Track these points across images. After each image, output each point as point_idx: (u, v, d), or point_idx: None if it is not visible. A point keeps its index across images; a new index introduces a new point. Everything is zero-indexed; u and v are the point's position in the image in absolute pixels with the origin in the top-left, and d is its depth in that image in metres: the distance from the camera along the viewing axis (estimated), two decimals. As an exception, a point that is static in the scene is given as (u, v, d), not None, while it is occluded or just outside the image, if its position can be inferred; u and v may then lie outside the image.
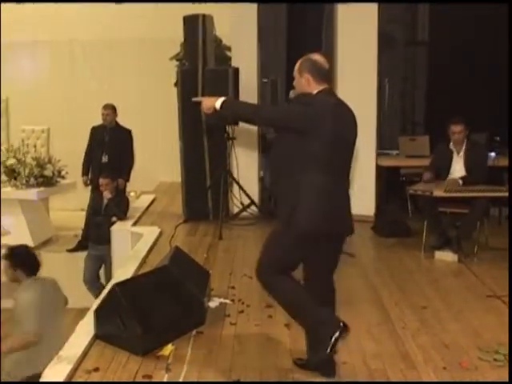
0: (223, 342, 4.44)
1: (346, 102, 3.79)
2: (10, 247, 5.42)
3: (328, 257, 3.78)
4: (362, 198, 6.84)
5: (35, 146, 9.32)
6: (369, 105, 7.77)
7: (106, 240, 7.35)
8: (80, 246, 8.22)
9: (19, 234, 8.37)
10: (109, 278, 7.56)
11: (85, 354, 4.26)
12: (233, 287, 5.54)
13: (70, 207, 8.91)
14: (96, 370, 4.07)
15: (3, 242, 8.16)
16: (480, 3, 8.12)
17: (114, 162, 8.26)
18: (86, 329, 4.54)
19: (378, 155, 8.15)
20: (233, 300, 5.22)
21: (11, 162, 9.01)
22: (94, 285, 7.67)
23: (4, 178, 8.92)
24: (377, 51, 7.72)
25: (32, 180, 8.62)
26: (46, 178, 8.60)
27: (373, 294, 5.36)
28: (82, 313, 5.09)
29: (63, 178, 8.82)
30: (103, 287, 7.67)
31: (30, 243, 7.87)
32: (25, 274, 5.11)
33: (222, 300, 5.18)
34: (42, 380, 3.94)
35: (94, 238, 7.70)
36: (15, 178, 8.78)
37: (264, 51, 8.11)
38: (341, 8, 7.79)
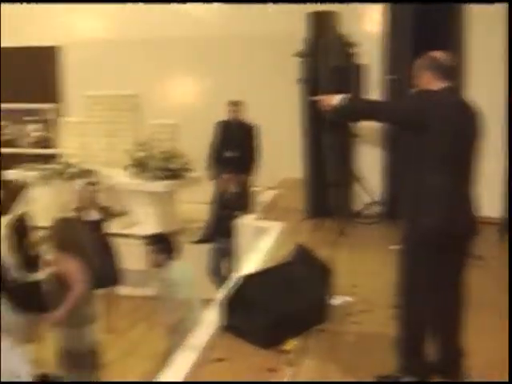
0: (345, 340, 4.42)
1: (474, 101, 3.67)
2: (153, 234, 5.72)
3: (454, 259, 3.69)
4: (489, 199, 6.59)
5: (163, 141, 9.62)
6: (498, 105, 7.48)
7: (230, 233, 7.50)
8: (204, 239, 8.42)
9: (147, 224, 8.69)
10: (232, 270, 7.72)
11: (210, 343, 4.37)
12: (356, 286, 5.50)
13: (196, 200, 9.14)
14: (220, 360, 4.17)
15: (133, 231, 8.52)
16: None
17: (239, 157, 8.40)
18: (211, 319, 4.66)
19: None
20: (355, 298, 5.19)
21: (140, 155, 9.38)
22: (217, 277, 7.85)
23: (133, 170, 9.30)
24: (507, 52, 7.41)
25: (160, 173, 8.93)
26: (173, 171, 8.89)
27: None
28: (205, 304, 5.25)
29: (190, 171, 9.08)
30: (226, 280, 7.85)
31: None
32: (167, 259, 5.32)
33: (344, 298, 5.16)
34: (173, 366, 4.09)
35: (218, 231, 7.87)
36: (144, 171, 9.14)
37: (388, 49, 7.98)
38: (471, 8, 7.55)
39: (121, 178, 9.40)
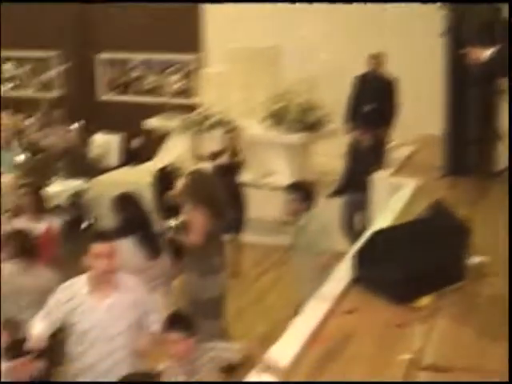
0: (481, 300, 4.31)
1: None
2: (294, 183, 5.70)
3: None
4: None
5: (301, 93, 9.61)
6: None
7: (364, 187, 7.43)
8: (338, 192, 8.40)
9: (282, 176, 8.78)
10: (365, 224, 7.68)
11: (342, 295, 4.39)
12: (494, 246, 5.31)
13: (332, 153, 9.11)
14: (351, 312, 4.19)
15: (267, 182, 8.63)
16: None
17: (377, 110, 8.27)
18: (344, 272, 4.68)
19: None
20: (492, 259, 5.01)
21: (277, 107, 9.44)
22: (350, 230, 7.84)
23: (270, 122, 9.38)
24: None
25: (296, 125, 8.96)
26: (309, 123, 8.89)
27: None
28: (337, 257, 5.26)
29: (326, 124, 9.05)
30: (358, 233, 7.82)
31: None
32: (306, 208, 5.28)
33: (481, 258, 5.00)
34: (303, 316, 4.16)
35: (352, 185, 7.83)
36: (280, 123, 9.20)
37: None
38: None
39: (257, 129, 9.51)
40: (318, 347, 3.91)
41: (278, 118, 9.30)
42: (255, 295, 7.56)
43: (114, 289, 3.87)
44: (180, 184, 5.59)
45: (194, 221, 5.23)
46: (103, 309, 3.85)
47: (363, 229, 7.59)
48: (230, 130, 8.20)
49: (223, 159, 7.64)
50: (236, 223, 7.25)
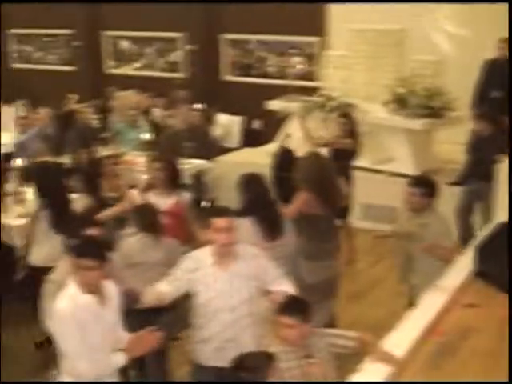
0: None
1: None
2: (418, 176, 5.53)
3: None
4: None
5: (426, 77, 9.38)
6: None
7: (485, 177, 7.18)
8: (460, 181, 8.17)
9: (402, 162, 8.64)
10: (484, 215, 7.45)
11: (462, 288, 4.31)
12: None
13: (455, 141, 8.85)
14: (471, 305, 4.11)
15: (386, 168, 8.52)
16: None
17: (505, 98, 7.96)
18: (464, 263, 4.58)
19: None
20: None
21: (401, 91, 9.26)
22: (464, 219, 7.63)
23: (393, 106, 9.23)
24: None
25: (419, 110, 8.77)
26: (433, 109, 8.68)
27: None
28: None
29: (452, 110, 8.80)
30: (473, 225, 7.61)
31: (412, 172, 8.11)
32: (428, 204, 5.07)
33: None
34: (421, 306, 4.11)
35: (474, 174, 7.59)
36: (403, 108, 9.03)
37: None
38: None
39: (379, 113, 9.39)
40: (435, 340, 3.87)
41: (401, 102, 9.12)
42: (369, 282, 7.50)
43: (235, 259, 4.02)
44: (297, 166, 5.62)
45: (298, 197, 5.26)
46: (225, 279, 4.00)
47: (482, 220, 7.39)
48: (347, 114, 8.09)
49: (340, 144, 7.57)
50: (345, 209, 7.16)
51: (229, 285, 3.99)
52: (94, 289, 3.62)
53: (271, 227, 4.75)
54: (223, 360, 3.91)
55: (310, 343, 3.67)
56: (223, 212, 4.08)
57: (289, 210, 5.31)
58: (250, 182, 5.03)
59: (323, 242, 5.36)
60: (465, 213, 7.76)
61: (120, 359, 3.71)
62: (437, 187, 5.17)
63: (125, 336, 3.84)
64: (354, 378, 3.43)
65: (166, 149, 9.56)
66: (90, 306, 3.61)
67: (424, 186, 5.07)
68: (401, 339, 3.84)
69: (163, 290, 4.10)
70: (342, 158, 7.35)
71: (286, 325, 3.62)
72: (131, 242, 4.99)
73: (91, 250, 3.63)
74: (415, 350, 3.78)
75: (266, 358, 3.39)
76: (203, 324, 4.09)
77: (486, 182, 7.16)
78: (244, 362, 3.39)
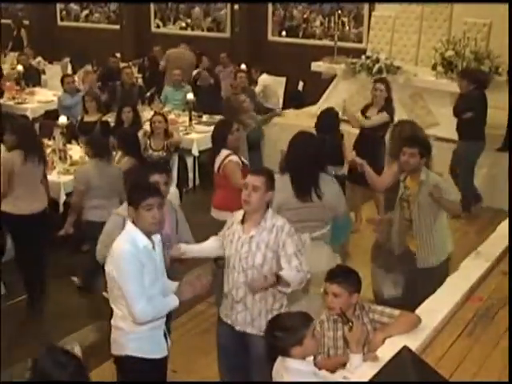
0: None
1: None
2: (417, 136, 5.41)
3: None
4: None
5: (475, 40, 9.15)
6: None
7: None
8: (506, 147, 8.02)
9: (447, 127, 8.46)
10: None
11: (502, 255, 4.26)
12: None
13: (501, 106, 8.64)
14: (504, 273, 4.07)
15: (433, 132, 8.37)
16: None
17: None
18: (505, 231, 4.52)
19: None
20: None
21: (449, 53, 9.06)
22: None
23: (441, 69, 9.05)
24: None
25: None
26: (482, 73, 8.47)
27: None
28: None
29: (499, 74, 8.59)
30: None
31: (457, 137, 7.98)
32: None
33: None
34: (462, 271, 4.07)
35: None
36: (451, 71, 8.85)
37: None
38: None
39: (427, 76, 9.22)
40: (474, 306, 3.84)
41: (449, 65, 8.93)
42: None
43: (259, 225, 4.06)
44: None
45: (391, 167, 5.26)
46: (245, 240, 4.07)
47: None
48: (384, 79, 7.81)
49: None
50: None
51: (247, 247, 4.05)
52: (153, 229, 3.76)
53: (306, 188, 4.71)
54: (232, 320, 4.14)
55: (355, 316, 3.68)
56: (258, 171, 4.16)
57: (381, 180, 5.34)
58: (298, 141, 5.00)
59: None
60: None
61: (174, 301, 3.80)
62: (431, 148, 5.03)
63: (170, 283, 3.94)
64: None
65: (207, 109, 9.62)
66: (147, 248, 3.74)
67: (421, 146, 4.92)
68: (439, 305, 3.82)
69: (210, 243, 4.29)
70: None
71: (332, 293, 3.63)
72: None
73: (154, 190, 3.87)
74: (453, 315, 3.76)
75: (303, 319, 3.39)
76: (224, 279, 4.21)
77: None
78: (280, 322, 3.41)
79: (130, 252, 3.65)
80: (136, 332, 3.76)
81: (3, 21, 15.96)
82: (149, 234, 3.76)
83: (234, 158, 5.62)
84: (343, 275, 3.70)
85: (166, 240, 4.21)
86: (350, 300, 3.64)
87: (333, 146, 6.24)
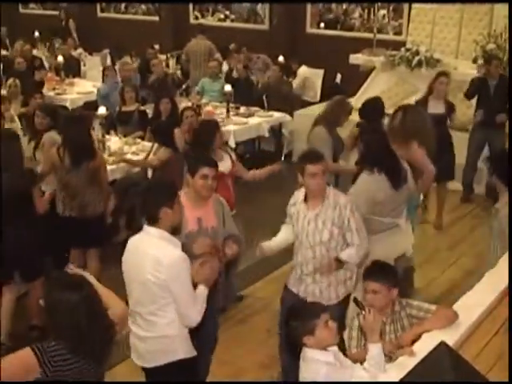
0: None
1: None
2: None
3: None
4: None
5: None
6: None
7: None
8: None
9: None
10: None
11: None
12: None
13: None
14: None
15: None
16: None
17: None
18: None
19: None
20: None
21: (491, 46, 8.94)
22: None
23: (481, 62, 8.92)
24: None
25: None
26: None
27: None
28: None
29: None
30: None
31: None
32: (504, 185, 4.84)
33: None
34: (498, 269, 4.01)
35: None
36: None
37: None
38: None
39: (467, 69, 9.09)
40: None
41: (491, 58, 8.79)
42: (448, 242, 7.37)
43: (323, 203, 4.28)
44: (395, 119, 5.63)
45: (416, 157, 5.26)
46: (311, 218, 4.29)
47: None
48: (443, 71, 7.73)
49: (437, 106, 7.27)
50: (444, 169, 6.91)
51: (314, 224, 4.27)
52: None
53: (398, 177, 4.77)
54: (300, 290, 4.41)
55: (393, 311, 3.66)
56: (317, 158, 4.28)
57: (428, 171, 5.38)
58: (371, 136, 5.09)
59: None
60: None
61: (205, 291, 3.80)
62: None
63: None
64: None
65: (244, 100, 9.60)
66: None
67: None
68: (477, 300, 3.77)
69: (282, 234, 4.56)
70: (437, 117, 7.11)
71: (371, 290, 3.63)
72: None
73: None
74: (491, 312, 3.70)
75: (314, 310, 3.40)
76: (294, 253, 4.46)
77: None
78: (293, 312, 3.46)
79: (183, 257, 3.66)
80: (183, 334, 3.77)
81: (49, 12, 16.24)
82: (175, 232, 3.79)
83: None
84: (380, 271, 3.69)
85: (212, 234, 4.28)
86: (390, 295, 3.62)
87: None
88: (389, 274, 3.67)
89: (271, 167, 5.98)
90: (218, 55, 11.41)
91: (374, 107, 6.49)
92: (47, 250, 5.51)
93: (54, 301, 2.90)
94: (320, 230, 4.25)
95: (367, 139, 5.04)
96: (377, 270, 3.71)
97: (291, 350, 3.60)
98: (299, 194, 4.42)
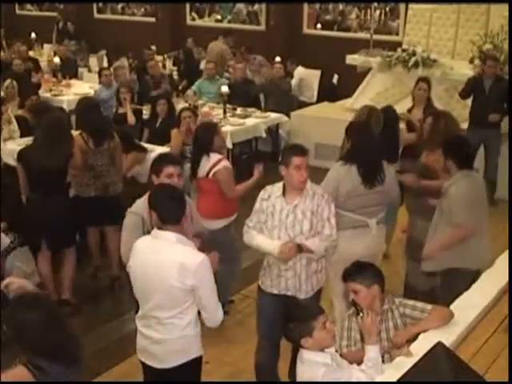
0: None
1: None
2: None
3: None
4: None
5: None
6: None
7: None
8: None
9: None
10: None
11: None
12: None
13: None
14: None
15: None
16: None
17: None
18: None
19: None
20: None
21: (487, 47, 8.95)
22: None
23: (478, 62, 8.93)
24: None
25: (506, 67, 8.47)
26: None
27: None
28: None
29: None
30: None
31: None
32: (456, 166, 4.80)
33: None
34: None
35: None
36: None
37: None
38: None
39: (464, 69, 9.11)
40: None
41: (486, 58, 8.80)
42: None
43: (301, 194, 4.24)
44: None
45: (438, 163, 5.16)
46: (289, 210, 4.23)
47: None
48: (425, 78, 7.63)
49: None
50: None
51: (293, 216, 4.21)
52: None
53: (371, 175, 4.79)
54: (280, 287, 4.31)
55: (384, 310, 3.66)
56: (303, 151, 4.25)
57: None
58: (357, 130, 5.08)
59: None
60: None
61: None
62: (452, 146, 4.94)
63: None
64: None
65: (241, 100, 9.59)
66: None
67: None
68: (474, 300, 3.78)
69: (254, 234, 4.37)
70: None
71: (352, 291, 3.65)
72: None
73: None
74: (488, 311, 3.72)
75: (312, 311, 3.42)
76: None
77: None
78: (290, 313, 3.49)
79: (206, 258, 3.65)
80: (196, 333, 3.78)
81: (46, 13, 16.23)
82: None
83: (227, 163, 5.57)
84: (356, 271, 3.71)
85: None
86: (371, 292, 3.62)
87: (389, 142, 6.09)
88: (364, 272, 3.68)
89: (255, 176, 5.63)
90: (229, 58, 11.52)
91: (386, 116, 6.38)
92: (72, 225, 5.99)
93: (20, 323, 2.89)
94: (300, 220, 4.19)
95: (356, 139, 5.00)
96: (353, 270, 3.73)
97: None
98: (273, 189, 4.33)
